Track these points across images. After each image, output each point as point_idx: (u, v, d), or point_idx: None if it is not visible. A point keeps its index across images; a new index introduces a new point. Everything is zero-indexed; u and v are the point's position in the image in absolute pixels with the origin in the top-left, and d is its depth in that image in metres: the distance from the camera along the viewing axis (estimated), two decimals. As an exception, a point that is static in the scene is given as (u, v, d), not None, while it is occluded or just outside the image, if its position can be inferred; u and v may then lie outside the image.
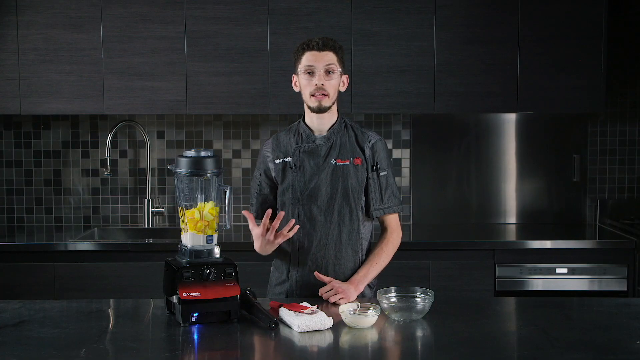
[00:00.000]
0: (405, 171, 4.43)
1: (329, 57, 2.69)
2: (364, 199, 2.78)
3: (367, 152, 2.77)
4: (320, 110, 2.72)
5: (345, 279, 2.74)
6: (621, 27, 4.35)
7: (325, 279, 2.69)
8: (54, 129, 4.39)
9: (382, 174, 2.78)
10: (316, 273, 2.70)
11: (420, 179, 4.43)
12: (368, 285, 2.79)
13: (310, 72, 2.69)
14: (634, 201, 4.44)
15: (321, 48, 2.69)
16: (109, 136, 4.26)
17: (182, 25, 4.00)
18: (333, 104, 2.74)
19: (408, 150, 4.42)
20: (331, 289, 2.64)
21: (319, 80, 2.68)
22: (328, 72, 2.69)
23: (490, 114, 4.37)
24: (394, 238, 2.82)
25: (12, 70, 4.00)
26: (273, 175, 2.81)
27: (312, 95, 2.70)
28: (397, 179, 4.38)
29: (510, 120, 4.41)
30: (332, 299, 2.61)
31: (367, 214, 2.80)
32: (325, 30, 3.91)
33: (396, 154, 4.41)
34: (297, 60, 2.74)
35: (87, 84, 4.01)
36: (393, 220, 2.84)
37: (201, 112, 4.06)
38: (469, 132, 4.41)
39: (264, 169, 2.83)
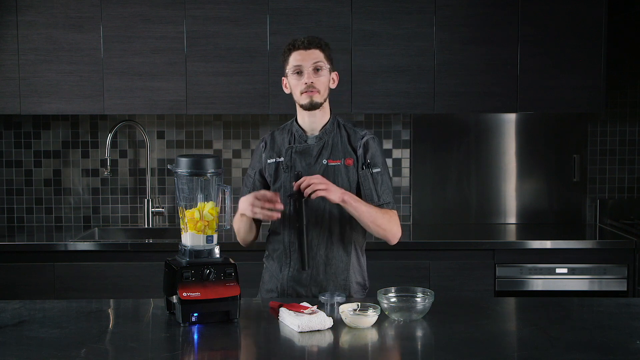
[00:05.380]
0: (405, 171, 4.42)
1: (316, 55, 2.69)
2: None
3: (360, 151, 2.75)
4: (312, 106, 2.70)
5: (337, 280, 2.74)
6: (621, 27, 4.35)
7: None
8: (54, 129, 4.39)
9: (375, 170, 2.73)
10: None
11: (420, 179, 4.43)
12: (360, 284, 2.79)
13: (299, 72, 2.69)
14: (634, 201, 4.44)
15: (307, 46, 2.69)
16: (109, 136, 4.26)
17: (182, 25, 4.00)
18: (325, 100, 2.73)
19: (408, 150, 4.41)
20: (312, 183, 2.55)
21: (308, 79, 2.68)
22: (316, 69, 2.69)
23: (490, 114, 4.37)
24: (395, 222, 2.73)
25: (12, 70, 4.00)
26: (266, 174, 2.80)
27: (303, 93, 2.69)
28: (397, 179, 4.39)
29: (510, 120, 4.41)
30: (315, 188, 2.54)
31: None
32: (325, 30, 3.91)
33: (396, 154, 4.41)
34: (285, 61, 2.74)
35: (87, 84, 4.01)
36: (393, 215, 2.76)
37: (201, 112, 4.06)
38: (469, 132, 4.41)
39: (259, 168, 2.82)
